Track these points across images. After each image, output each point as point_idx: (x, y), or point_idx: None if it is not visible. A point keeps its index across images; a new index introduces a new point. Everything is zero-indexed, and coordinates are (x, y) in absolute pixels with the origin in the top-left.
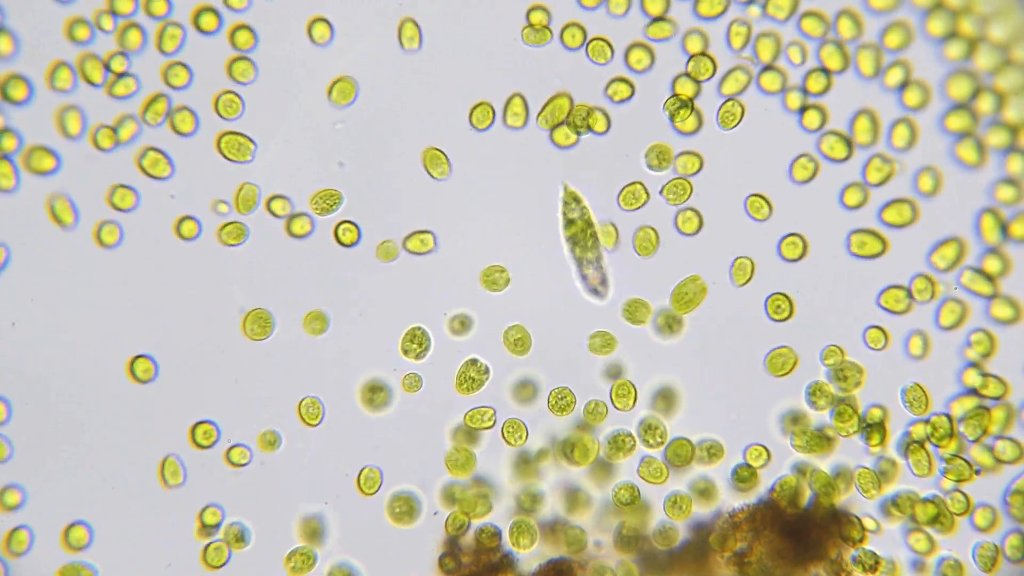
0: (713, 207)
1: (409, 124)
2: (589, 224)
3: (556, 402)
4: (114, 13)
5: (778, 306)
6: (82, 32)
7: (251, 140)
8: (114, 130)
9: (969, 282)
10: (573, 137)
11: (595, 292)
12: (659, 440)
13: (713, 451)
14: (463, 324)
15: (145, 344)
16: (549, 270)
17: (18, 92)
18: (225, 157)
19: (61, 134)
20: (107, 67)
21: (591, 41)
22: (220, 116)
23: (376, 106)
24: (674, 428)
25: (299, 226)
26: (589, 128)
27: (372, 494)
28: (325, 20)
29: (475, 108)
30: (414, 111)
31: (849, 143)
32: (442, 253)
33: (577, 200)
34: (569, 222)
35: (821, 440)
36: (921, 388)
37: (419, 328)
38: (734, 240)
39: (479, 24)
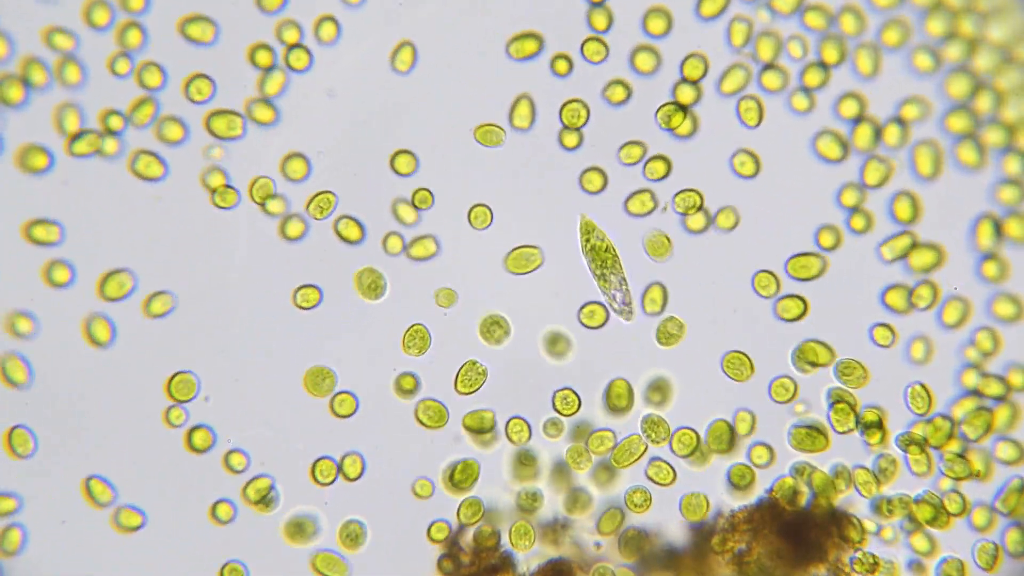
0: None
1: (414, 124)
2: (602, 252)
3: (560, 403)
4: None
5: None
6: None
7: (238, 115)
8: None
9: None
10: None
11: (621, 314)
12: (663, 436)
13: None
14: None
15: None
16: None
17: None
18: (218, 137)
19: (58, 132)
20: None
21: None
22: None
23: (380, 107)
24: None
25: (294, 228)
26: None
27: (356, 478)
28: (332, 19)
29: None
30: (418, 111)
31: (844, 144)
32: (445, 257)
33: (592, 230)
34: (587, 252)
35: (816, 435)
36: (925, 388)
37: (420, 326)
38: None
39: (484, 25)
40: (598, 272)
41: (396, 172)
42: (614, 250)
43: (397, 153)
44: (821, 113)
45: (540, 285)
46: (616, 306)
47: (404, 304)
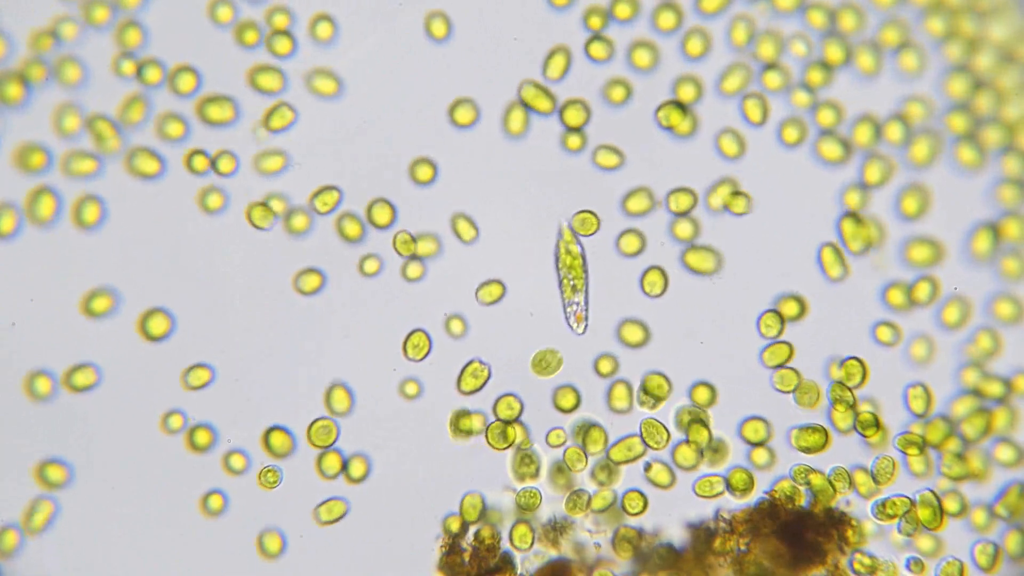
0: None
1: (414, 125)
2: (571, 265)
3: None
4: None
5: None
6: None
7: (227, 98)
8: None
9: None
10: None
11: (572, 326)
12: (658, 396)
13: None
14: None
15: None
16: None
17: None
18: (210, 122)
19: (57, 132)
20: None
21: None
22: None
23: (379, 106)
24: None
25: (298, 223)
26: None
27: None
28: (328, 18)
29: (456, 105)
30: (418, 111)
31: (846, 145)
32: (446, 258)
33: (574, 240)
34: (559, 259)
35: (813, 433)
36: (925, 388)
37: (421, 330)
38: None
39: (483, 23)
40: (565, 278)
41: (416, 180)
42: (582, 263)
43: (417, 162)
44: (822, 115)
45: (539, 286)
46: (573, 315)
47: (405, 306)
